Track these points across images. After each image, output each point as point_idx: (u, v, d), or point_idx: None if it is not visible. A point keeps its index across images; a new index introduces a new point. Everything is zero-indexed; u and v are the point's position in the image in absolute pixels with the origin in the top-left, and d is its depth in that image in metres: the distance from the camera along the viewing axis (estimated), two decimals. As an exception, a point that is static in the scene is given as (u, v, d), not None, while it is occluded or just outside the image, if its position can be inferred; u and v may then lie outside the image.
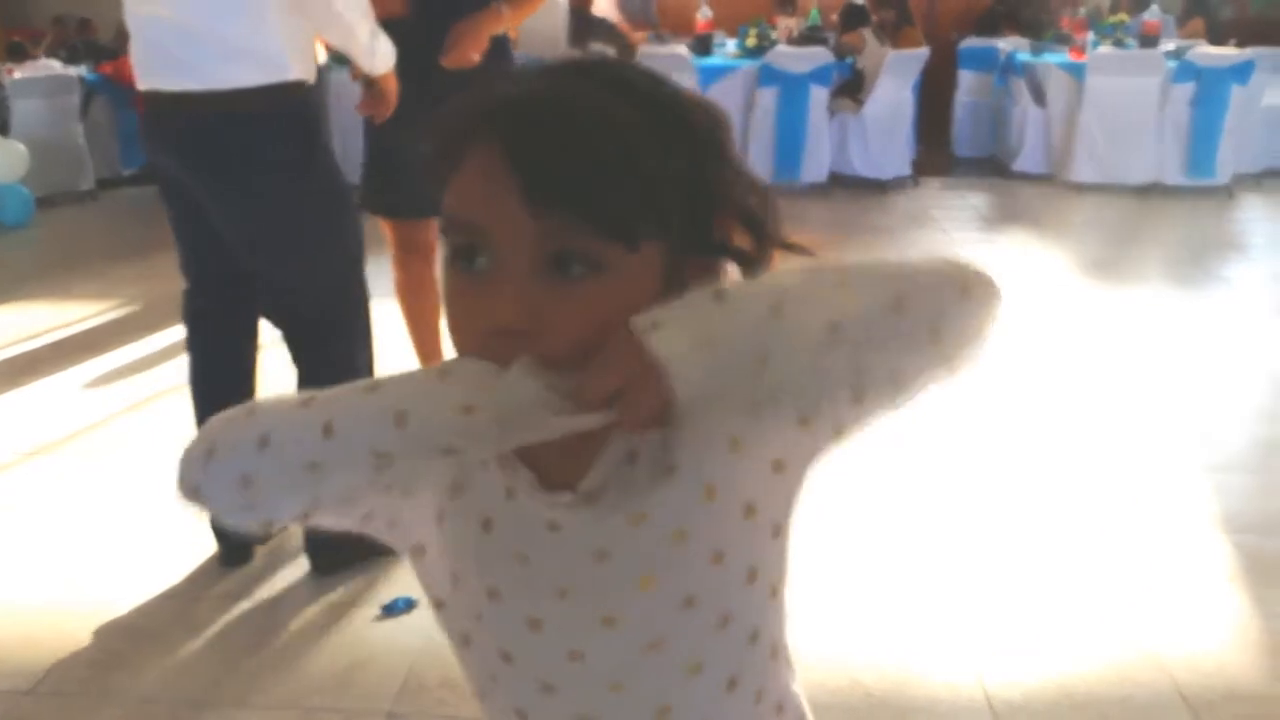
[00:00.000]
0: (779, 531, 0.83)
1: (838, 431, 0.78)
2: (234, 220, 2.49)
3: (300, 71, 2.41)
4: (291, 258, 2.52)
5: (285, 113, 2.41)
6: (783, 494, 0.83)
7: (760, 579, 0.83)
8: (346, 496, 0.76)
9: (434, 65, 2.83)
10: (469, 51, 2.86)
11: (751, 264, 0.79)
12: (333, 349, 2.61)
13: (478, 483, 0.81)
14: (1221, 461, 3.28)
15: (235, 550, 2.74)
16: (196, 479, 0.76)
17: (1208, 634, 2.41)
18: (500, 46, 2.99)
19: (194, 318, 2.74)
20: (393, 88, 2.68)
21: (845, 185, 7.23)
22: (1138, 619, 2.46)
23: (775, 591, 0.85)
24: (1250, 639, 2.41)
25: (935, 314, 0.72)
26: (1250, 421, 3.56)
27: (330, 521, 0.81)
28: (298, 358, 2.62)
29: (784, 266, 0.76)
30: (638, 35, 7.75)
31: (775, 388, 0.69)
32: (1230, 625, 2.45)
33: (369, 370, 2.72)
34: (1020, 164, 7.68)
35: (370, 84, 2.69)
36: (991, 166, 8.00)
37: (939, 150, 8.19)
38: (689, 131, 0.75)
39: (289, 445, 0.72)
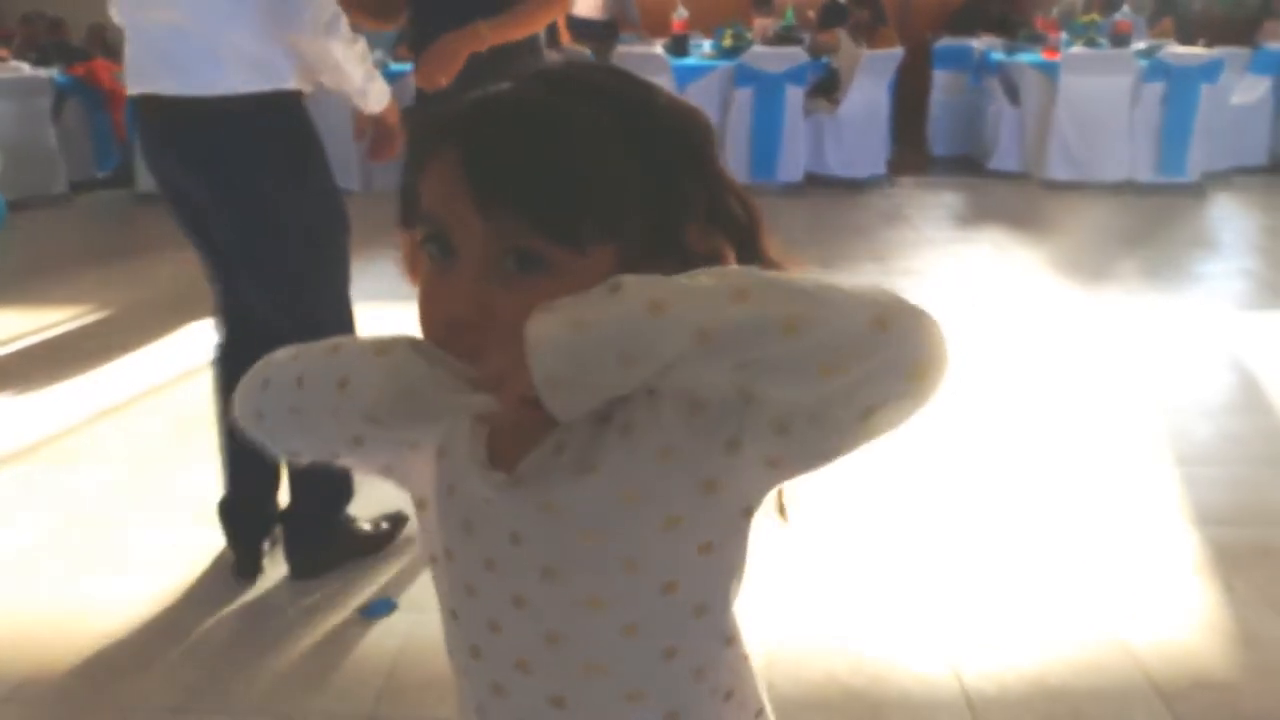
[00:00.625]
0: (709, 550, 0.82)
1: (772, 464, 0.76)
2: (226, 226, 2.49)
3: (299, 81, 2.42)
4: (276, 271, 2.51)
5: (283, 121, 2.42)
6: (716, 516, 0.81)
7: (680, 594, 0.82)
8: (352, 442, 0.81)
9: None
10: (438, 74, 2.73)
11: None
12: None
13: (455, 450, 0.85)
14: (1191, 454, 3.31)
15: (248, 561, 2.71)
16: (257, 404, 0.83)
17: (1178, 624, 2.45)
18: (522, 50, 2.84)
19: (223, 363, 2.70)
20: (393, 124, 2.68)
21: (821, 185, 7.26)
22: (1109, 610, 2.49)
23: (702, 611, 0.84)
24: (1219, 628, 2.44)
25: (834, 343, 0.66)
26: (1219, 415, 3.61)
27: (356, 465, 0.92)
28: None
29: (717, 269, 0.73)
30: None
31: (651, 385, 0.70)
32: (1200, 615, 2.49)
33: None
34: (995, 163, 7.74)
35: (373, 123, 2.69)
36: (967, 165, 8.05)
37: (914, 149, 8.23)
38: (658, 137, 0.76)
39: (282, 388, 0.82)
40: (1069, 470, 3.22)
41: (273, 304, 2.53)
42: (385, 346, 0.76)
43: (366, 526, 2.79)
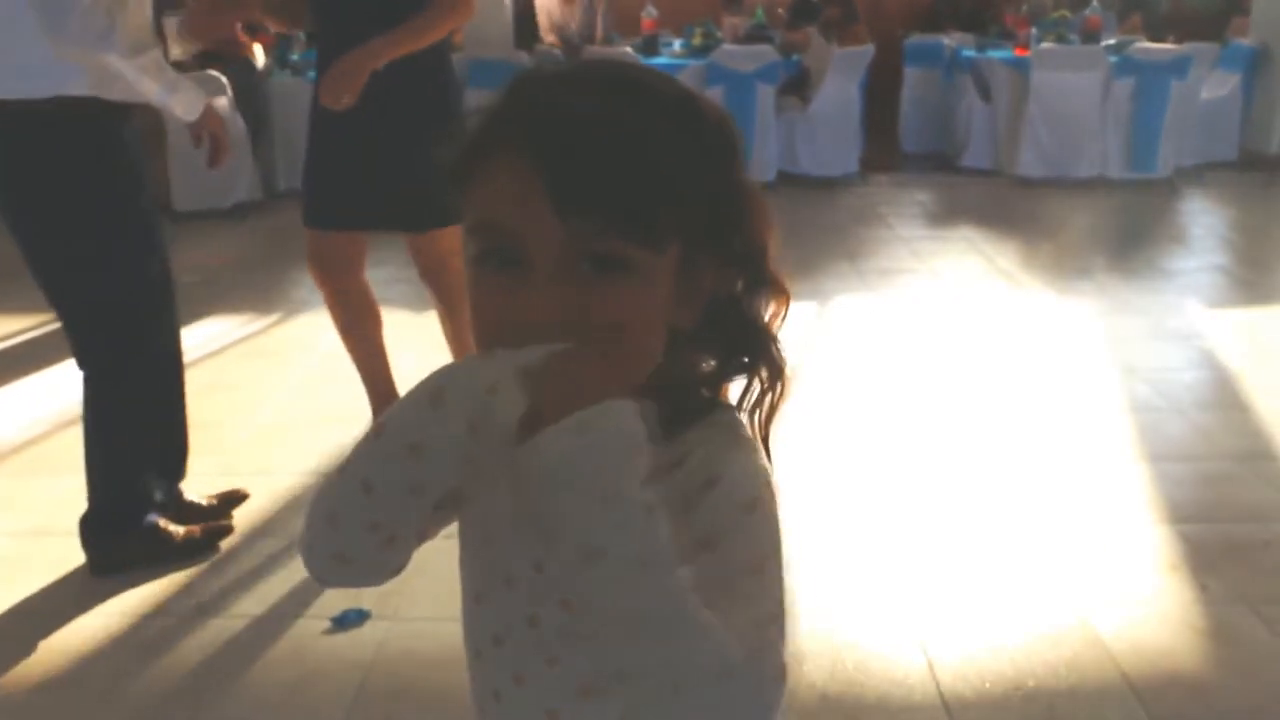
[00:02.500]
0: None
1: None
2: (14, 236, 2.49)
3: (93, 87, 2.36)
4: (60, 286, 2.53)
5: (70, 128, 2.38)
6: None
7: None
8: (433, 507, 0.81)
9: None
10: (342, 94, 2.72)
11: (750, 264, 0.85)
12: (102, 399, 2.62)
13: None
14: (1163, 452, 3.33)
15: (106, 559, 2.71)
16: (333, 546, 0.82)
17: (1152, 622, 2.45)
18: (429, 61, 2.90)
19: None
20: (216, 129, 2.68)
21: (793, 184, 7.24)
22: (1084, 609, 2.48)
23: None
24: (1194, 626, 2.45)
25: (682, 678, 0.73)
26: (1191, 411, 3.62)
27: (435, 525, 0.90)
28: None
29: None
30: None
31: None
32: (1174, 613, 2.49)
33: (164, 427, 2.74)
34: (967, 160, 7.75)
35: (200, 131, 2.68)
36: (939, 162, 8.06)
37: (887, 147, 8.23)
38: (713, 139, 0.79)
39: (350, 510, 0.80)
40: (1041, 469, 3.22)
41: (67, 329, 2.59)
42: (438, 390, 0.75)
43: (178, 532, 2.76)
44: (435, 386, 0.75)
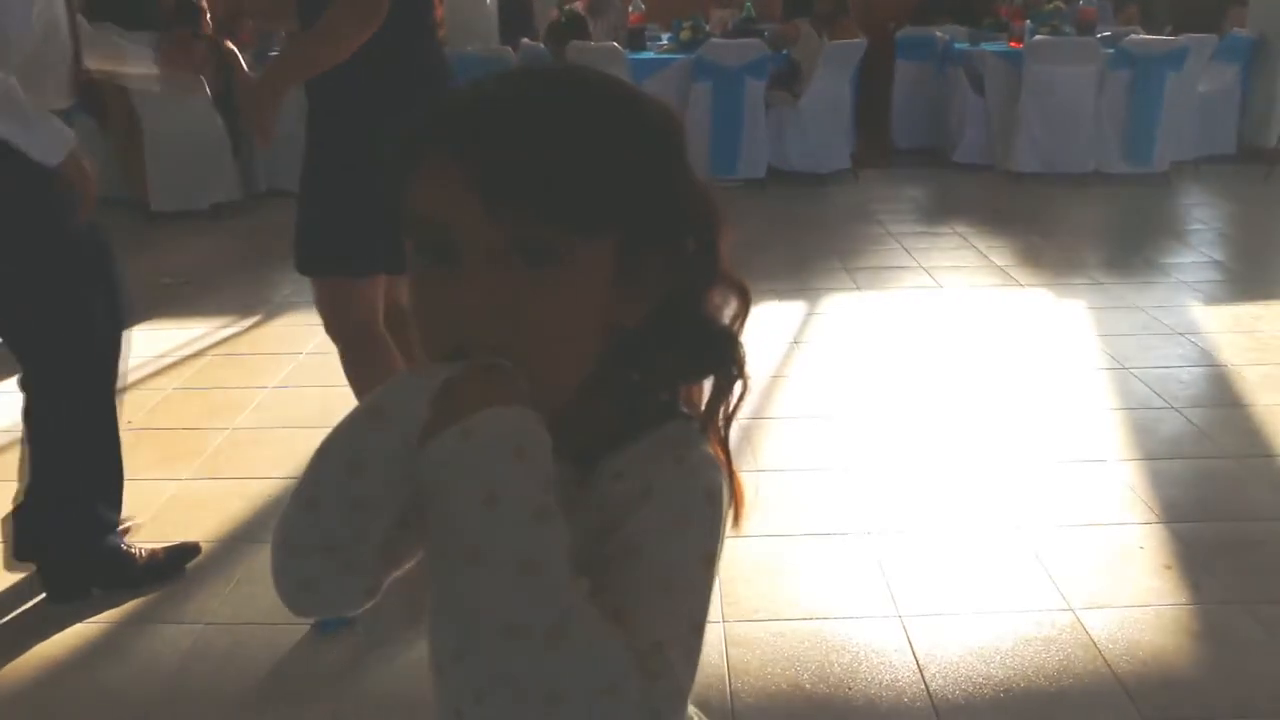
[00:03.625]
0: None
1: None
2: None
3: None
4: None
5: None
6: None
7: None
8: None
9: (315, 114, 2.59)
10: (267, 128, 2.49)
11: (698, 261, 0.82)
12: (45, 419, 2.54)
13: None
14: (1158, 449, 3.28)
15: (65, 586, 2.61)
16: (295, 573, 0.82)
17: (1145, 622, 2.40)
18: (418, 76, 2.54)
19: None
20: (78, 179, 2.39)
21: (783, 179, 7.18)
22: (1076, 610, 2.44)
23: None
24: (1186, 626, 2.40)
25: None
26: (1187, 409, 3.57)
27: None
28: None
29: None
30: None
31: None
32: (1167, 613, 2.45)
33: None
34: (960, 154, 7.68)
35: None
36: (932, 157, 7.99)
37: (879, 142, 8.18)
38: (644, 128, 0.78)
39: (300, 532, 0.82)
40: (1034, 467, 3.18)
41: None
42: (378, 406, 0.76)
43: (140, 553, 2.67)
44: (375, 403, 0.76)
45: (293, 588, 0.82)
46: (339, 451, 0.77)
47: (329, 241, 2.56)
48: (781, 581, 2.57)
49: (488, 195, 0.71)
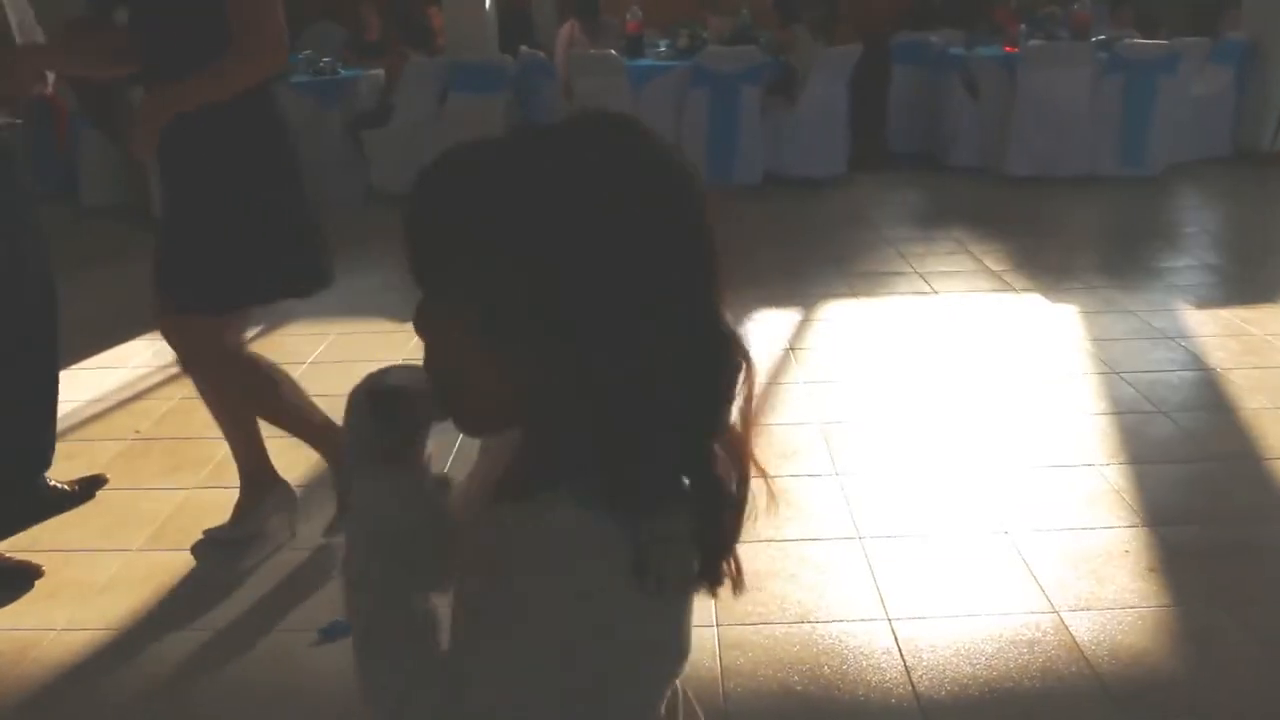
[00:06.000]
0: None
1: None
2: None
3: None
4: None
5: None
6: None
7: None
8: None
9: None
10: (144, 141, 2.56)
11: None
12: None
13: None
14: (1146, 453, 3.34)
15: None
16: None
17: (1129, 625, 2.46)
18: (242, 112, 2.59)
19: None
20: None
21: (780, 184, 7.24)
22: (1061, 612, 2.50)
23: None
24: (1170, 628, 2.46)
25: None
26: (1176, 412, 3.63)
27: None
28: None
29: None
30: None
31: None
32: (1151, 616, 2.50)
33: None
34: (956, 158, 7.74)
35: None
36: (927, 161, 8.04)
37: (875, 146, 8.22)
38: (508, 221, 0.79)
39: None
40: (1023, 471, 3.24)
41: None
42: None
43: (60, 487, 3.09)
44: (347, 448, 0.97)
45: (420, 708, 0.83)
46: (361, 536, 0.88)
47: (191, 280, 2.64)
48: (773, 585, 2.63)
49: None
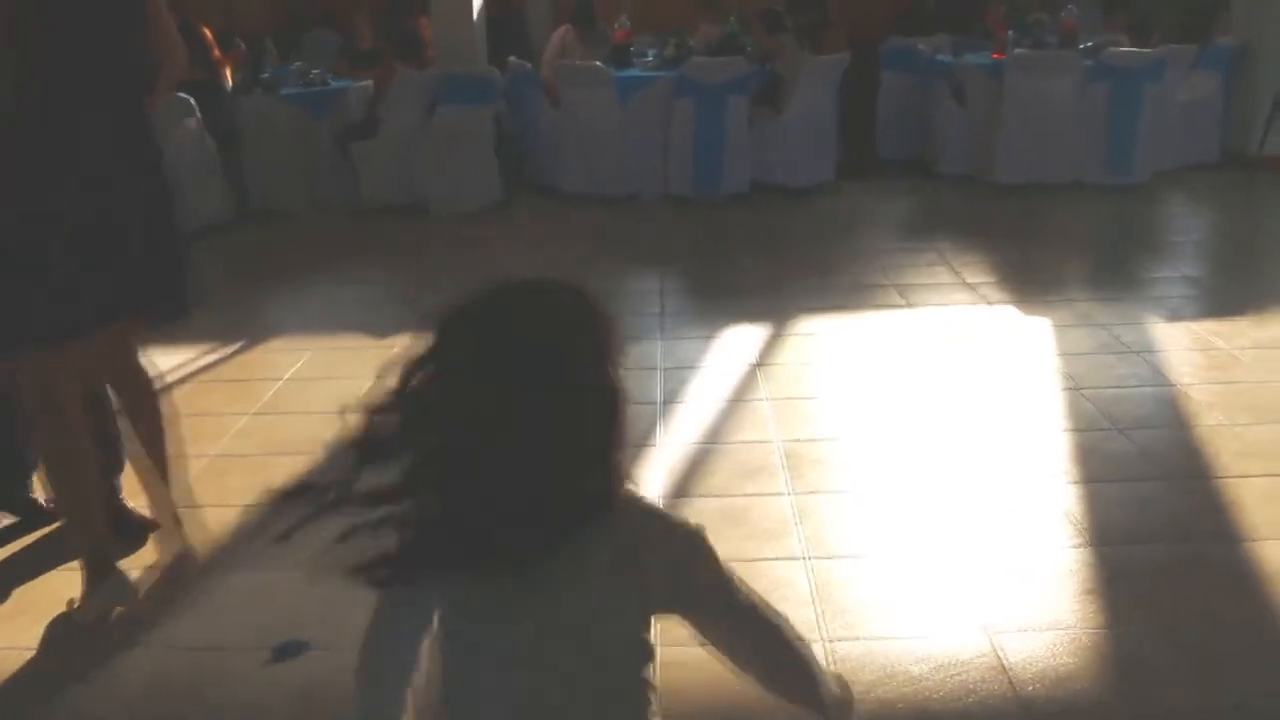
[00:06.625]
0: None
1: None
2: None
3: None
4: None
5: None
6: None
7: None
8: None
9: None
10: None
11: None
12: None
13: None
14: (1101, 472, 3.38)
15: None
16: None
17: (1060, 647, 2.50)
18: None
19: None
20: None
21: (767, 193, 7.29)
22: (997, 634, 2.54)
23: None
24: (1101, 651, 2.50)
25: None
26: (1133, 429, 3.66)
27: None
28: None
29: None
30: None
31: None
32: (1083, 638, 2.54)
33: None
34: (944, 166, 7.77)
35: None
36: (916, 168, 8.07)
37: (864, 153, 8.26)
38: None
39: None
40: (973, 490, 3.29)
41: None
42: None
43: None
44: None
45: None
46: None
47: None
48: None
49: None
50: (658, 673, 1.28)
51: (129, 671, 2.55)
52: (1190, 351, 4.43)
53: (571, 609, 1.19)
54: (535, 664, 1.18)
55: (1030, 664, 2.44)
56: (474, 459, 1.13)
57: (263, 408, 4.08)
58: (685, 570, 1.27)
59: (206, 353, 4.67)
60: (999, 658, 2.47)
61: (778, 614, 1.35)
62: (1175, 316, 4.89)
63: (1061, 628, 2.59)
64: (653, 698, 1.25)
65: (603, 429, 1.18)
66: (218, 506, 3.28)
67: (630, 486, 1.24)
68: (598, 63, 7.25)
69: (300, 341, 4.75)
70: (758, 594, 1.33)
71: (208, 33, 6.92)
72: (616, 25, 7.66)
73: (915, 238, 6.53)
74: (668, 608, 1.27)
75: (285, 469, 3.43)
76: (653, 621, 1.26)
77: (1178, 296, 5.26)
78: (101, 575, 2.75)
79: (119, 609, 2.77)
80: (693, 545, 1.27)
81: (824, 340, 4.69)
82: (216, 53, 6.94)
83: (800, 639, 1.38)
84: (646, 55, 7.84)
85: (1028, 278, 5.56)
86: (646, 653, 1.25)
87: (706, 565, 1.29)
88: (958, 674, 2.41)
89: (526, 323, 1.16)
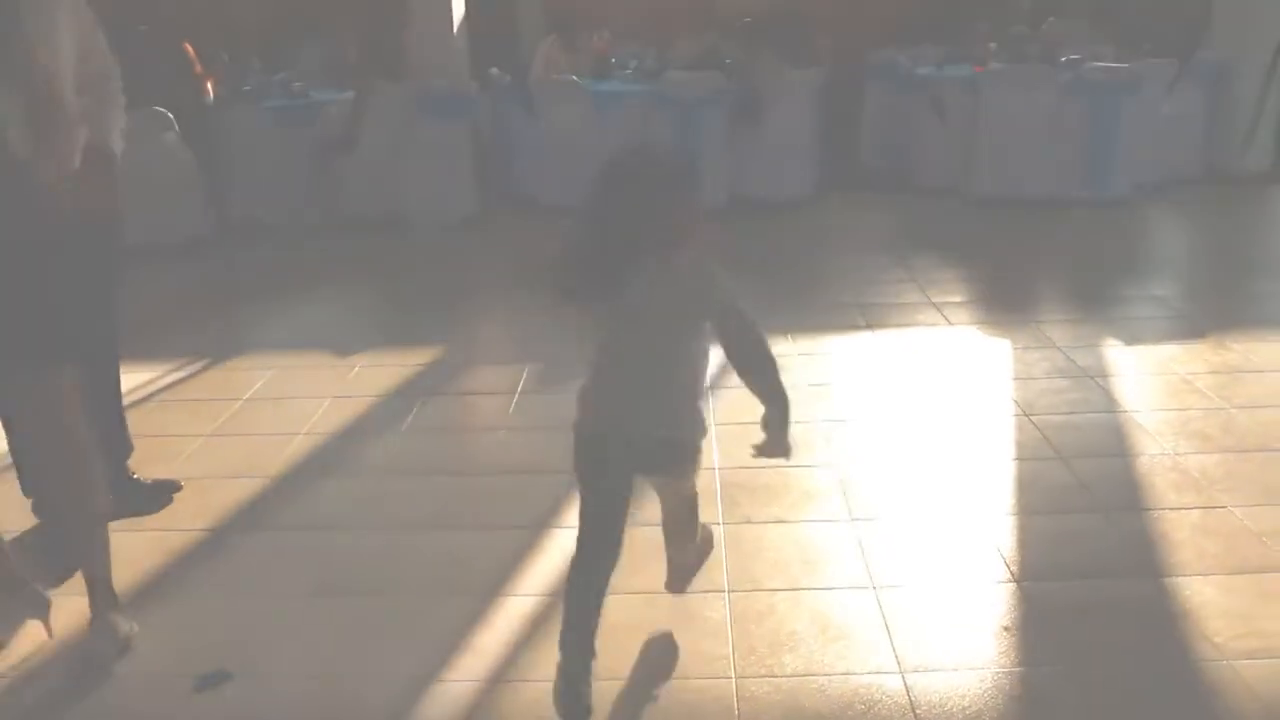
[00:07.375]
0: None
1: None
2: None
3: None
4: None
5: None
6: None
7: None
8: None
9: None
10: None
11: None
12: None
13: None
14: (1034, 503, 3.40)
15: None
16: None
17: (966, 686, 2.52)
18: None
19: None
20: None
21: (746, 208, 7.32)
22: (906, 673, 2.57)
23: None
24: (1007, 690, 2.51)
25: None
26: (1074, 458, 3.66)
27: None
28: None
29: None
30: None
31: None
32: (991, 676, 2.56)
33: None
34: (925, 179, 7.81)
35: None
36: (898, 181, 8.11)
37: (847, 166, 8.28)
38: None
39: None
40: (904, 520, 3.31)
41: None
42: None
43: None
44: None
45: None
46: None
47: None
48: (621, 638, 2.68)
49: None
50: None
51: (50, 696, 2.59)
52: (1146, 376, 4.45)
53: (658, 306, 2.30)
54: (633, 343, 2.36)
55: (936, 704, 2.47)
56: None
57: (218, 429, 4.12)
58: (718, 300, 2.36)
59: (171, 371, 4.72)
60: (909, 697, 2.49)
61: (766, 340, 2.44)
62: (1135, 340, 4.90)
63: (972, 667, 2.61)
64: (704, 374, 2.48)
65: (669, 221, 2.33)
66: (163, 531, 3.32)
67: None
68: (574, 78, 7.28)
69: (265, 360, 4.80)
70: (760, 328, 2.40)
71: (189, 49, 6.98)
72: (595, 37, 7.70)
73: (886, 253, 6.54)
74: (709, 316, 2.36)
75: (234, 494, 3.49)
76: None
77: (1142, 318, 5.27)
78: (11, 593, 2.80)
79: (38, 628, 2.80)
80: (723, 291, 2.36)
81: (783, 361, 4.68)
82: (199, 69, 6.99)
83: (775, 361, 2.48)
84: (627, 67, 7.88)
85: (994, 297, 5.58)
86: (702, 349, 2.42)
87: (730, 303, 2.36)
88: (864, 713, 2.44)
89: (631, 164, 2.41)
